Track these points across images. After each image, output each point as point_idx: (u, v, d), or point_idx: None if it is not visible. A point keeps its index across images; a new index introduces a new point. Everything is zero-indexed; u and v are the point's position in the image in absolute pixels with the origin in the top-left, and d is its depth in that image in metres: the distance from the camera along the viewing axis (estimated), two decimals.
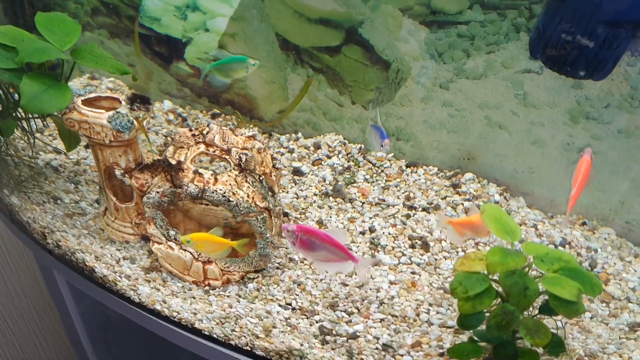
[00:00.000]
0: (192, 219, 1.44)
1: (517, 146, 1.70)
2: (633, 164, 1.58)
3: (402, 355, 1.20)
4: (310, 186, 1.70)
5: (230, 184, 1.30)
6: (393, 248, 1.50)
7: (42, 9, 1.83)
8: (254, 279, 1.37)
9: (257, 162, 1.40)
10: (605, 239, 1.57)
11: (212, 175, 1.31)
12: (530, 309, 1.04)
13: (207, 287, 1.34)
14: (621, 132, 1.56)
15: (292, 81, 1.87)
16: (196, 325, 1.26)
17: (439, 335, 1.23)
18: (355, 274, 1.35)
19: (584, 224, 1.63)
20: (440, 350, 1.20)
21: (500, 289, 1.05)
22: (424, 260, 1.46)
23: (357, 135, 1.86)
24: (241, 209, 1.29)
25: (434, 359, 1.18)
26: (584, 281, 1.01)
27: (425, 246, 1.50)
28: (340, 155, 1.81)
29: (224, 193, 1.28)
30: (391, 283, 1.35)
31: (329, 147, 1.83)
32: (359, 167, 1.79)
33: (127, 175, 1.32)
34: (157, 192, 1.29)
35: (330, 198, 1.67)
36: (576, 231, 1.59)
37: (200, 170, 1.31)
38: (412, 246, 1.50)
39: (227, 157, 1.38)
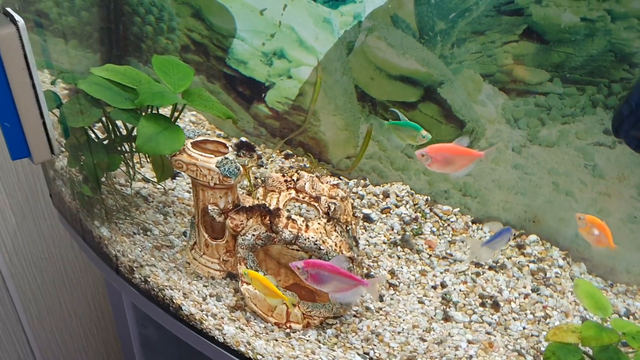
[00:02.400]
0: (272, 257, 1.49)
1: (580, 212, 1.75)
2: None
3: None
4: (379, 234, 1.76)
5: (320, 232, 1.36)
6: (464, 305, 1.54)
7: (134, 41, 1.93)
8: (332, 325, 1.42)
9: (342, 212, 1.46)
10: None
11: (303, 221, 1.37)
12: None
13: (288, 330, 1.39)
14: None
15: (363, 130, 1.94)
16: None
17: None
18: (430, 329, 1.40)
19: None
20: None
21: None
22: (495, 319, 1.50)
23: (423, 187, 1.92)
24: (330, 257, 1.34)
25: None
26: None
27: (496, 306, 1.54)
28: (407, 206, 1.87)
29: (316, 241, 1.34)
30: (469, 342, 1.39)
31: (397, 196, 1.89)
32: (425, 218, 1.84)
33: (223, 215, 1.39)
34: (253, 235, 1.35)
35: (399, 247, 1.72)
36: (638, 302, 1.63)
37: (294, 217, 1.37)
38: (483, 304, 1.55)
39: (316, 204, 1.44)
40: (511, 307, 1.55)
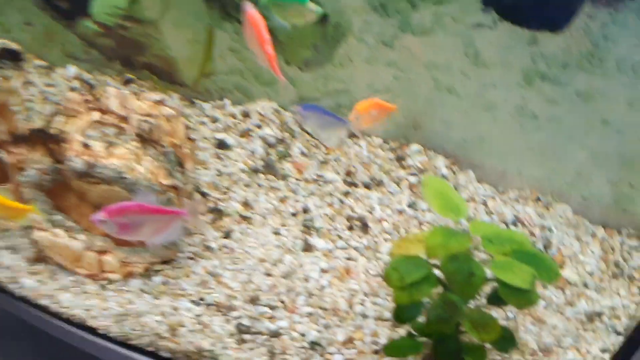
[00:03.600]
0: (89, 203, 1.21)
1: (466, 111, 1.53)
2: (591, 131, 1.42)
3: (331, 354, 1.02)
4: (236, 161, 1.50)
5: (127, 158, 1.09)
6: (329, 231, 1.31)
7: None
8: (160, 271, 1.17)
9: (164, 132, 1.19)
10: (560, 216, 1.43)
11: (105, 147, 1.09)
12: (477, 298, 0.88)
13: (104, 281, 1.13)
14: (579, 95, 1.40)
15: (219, 39, 1.65)
16: (90, 323, 1.05)
17: (375, 329, 1.05)
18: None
19: (538, 199, 1.47)
20: (375, 347, 1.03)
21: (443, 276, 0.88)
22: (363, 243, 1.28)
23: (291, 101, 1.65)
24: (141, 187, 1.08)
25: (368, 357, 1.01)
26: (539, 266, 0.85)
27: (365, 228, 1.32)
28: (273, 125, 1.60)
29: (118, 169, 1.07)
30: (322, 271, 1.17)
31: (261, 115, 1.62)
32: (294, 138, 1.59)
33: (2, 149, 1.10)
34: (36, 169, 1.07)
35: (261, 175, 1.47)
36: (529, 207, 1.44)
37: (90, 142, 1.09)
38: (350, 228, 1.32)
39: (125, 125, 1.16)
40: (382, 227, 1.33)
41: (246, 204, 1.37)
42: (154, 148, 1.14)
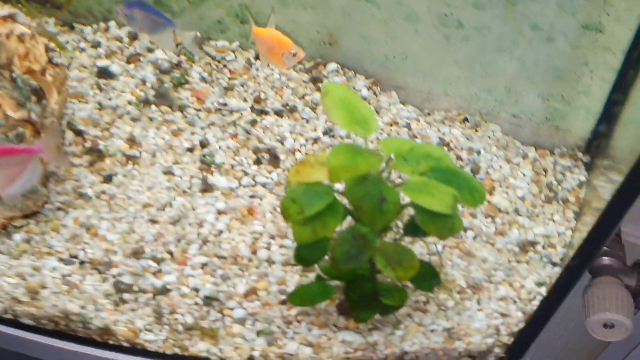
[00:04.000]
0: None
1: (386, 23, 1.35)
2: (520, 39, 1.28)
3: (231, 309, 0.86)
4: (122, 92, 1.27)
5: None
6: (232, 167, 1.13)
7: None
8: (22, 227, 0.96)
9: (14, 54, 0.96)
10: (489, 137, 1.30)
11: None
12: (393, 230, 0.73)
13: None
14: None
15: None
16: None
17: (282, 277, 0.90)
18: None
19: (465, 120, 1.33)
20: (283, 297, 0.87)
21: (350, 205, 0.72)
22: (272, 179, 1.11)
23: (192, 20, 1.42)
24: None
25: (275, 308, 0.86)
26: (461, 186, 0.70)
27: (275, 160, 1.14)
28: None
29: None
30: (219, 213, 0.99)
31: None
32: (193, 62, 1.37)
33: None
34: None
35: (152, 106, 1.25)
36: (456, 129, 1.30)
37: None
38: (258, 161, 1.14)
39: None
40: (295, 158, 1.16)
41: (132, 141, 1.16)
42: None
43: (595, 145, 1.27)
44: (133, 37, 1.38)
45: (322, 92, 0.76)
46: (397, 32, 1.35)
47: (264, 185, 1.09)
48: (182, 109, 1.27)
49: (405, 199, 0.70)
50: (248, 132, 1.20)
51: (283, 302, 0.86)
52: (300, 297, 0.79)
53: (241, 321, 0.85)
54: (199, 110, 1.27)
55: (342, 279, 0.77)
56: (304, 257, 0.74)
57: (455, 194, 0.67)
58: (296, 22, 1.38)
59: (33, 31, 1.03)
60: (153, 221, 0.97)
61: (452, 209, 0.66)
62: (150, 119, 1.23)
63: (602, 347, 1.34)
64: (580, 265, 0.68)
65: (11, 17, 1.00)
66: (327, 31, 1.39)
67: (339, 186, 0.73)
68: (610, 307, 0.88)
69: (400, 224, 0.77)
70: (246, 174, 1.12)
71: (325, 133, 1.21)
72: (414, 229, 0.72)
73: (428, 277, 0.75)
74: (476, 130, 1.31)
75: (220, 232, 0.96)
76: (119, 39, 1.37)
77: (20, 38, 0.99)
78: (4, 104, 0.89)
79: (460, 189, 0.68)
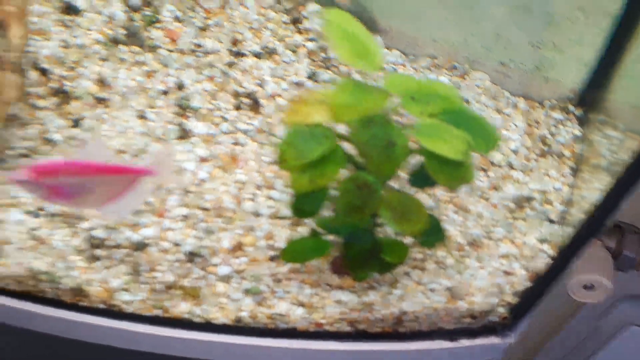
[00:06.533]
0: None
1: None
2: None
3: (215, 265, 0.81)
4: (89, 30, 1.16)
5: None
6: (210, 111, 1.05)
7: None
8: None
9: None
10: (477, 86, 1.24)
11: None
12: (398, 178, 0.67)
13: None
14: None
15: None
16: None
17: (270, 230, 0.84)
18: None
19: (453, 67, 1.27)
20: (272, 253, 0.81)
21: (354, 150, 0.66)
22: (254, 125, 1.04)
23: None
24: None
25: (264, 265, 0.80)
26: (474, 130, 0.64)
27: (255, 105, 1.07)
28: None
29: None
30: (201, 160, 0.92)
31: None
32: None
33: None
34: None
35: (122, 46, 1.15)
36: (444, 77, 1.24)
37: None
38: (237, 107, 1.06)
39: None
40: (277, 103, 1.08)
41: (101, 83, 1.06)
42: None
43: (589, 98, 1.23)
44: None
45: (325, 20, 0.68)
46: None
47: (245, 132, 1.02)
48: (153, 49, 1.17)
49: (413, 146, 0.64)
50: (226, 74, 1.12)
51: (272, 259, 0.80)
52: (293, 253, 0.73)
53: (226, 279, 0.79)
54: (172, 51, 1.17)
55: (340, 233, 0.72)
56: (301, 207, 0.68)
57: (469, 139, 0.62)
58: None
59: None
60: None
61: (466, 155, 0.61)
62: (121, 60, 1.13)
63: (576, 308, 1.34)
64: (596, 225, 0.64)
65: None
66: None
67: (339, 128, 0.66)
68: (590, 269, 0.86)
69: (402, 174, 0.71)
70: (225, 119, 1.04)
71: (308, 77, 1.14)
72: (421, 179, 0.66)
73: (432, 232, 0.71)
74: (464, 78, 1.26)
75: (202, 181, 0.89)
76: None
77: None
78: None
79: (474, 133, 0.63)
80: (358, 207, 0.63)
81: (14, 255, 0.76)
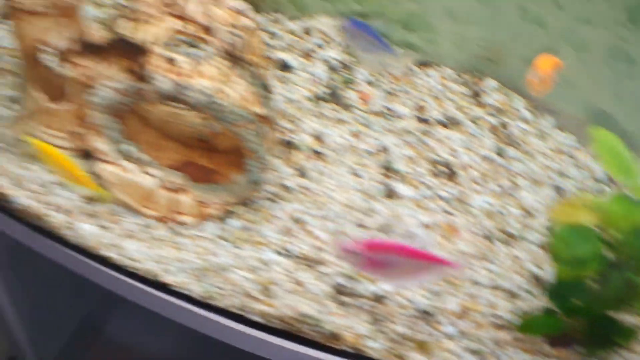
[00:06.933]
0: (151, 126, 1.02)
1: (553, 50, 1.38)
2: None
3: (440, 324, 0.92)
4: (299, 86, 1.32)
5: (217, 79, 0.90)
6: (411, 175, 1.17)
7: None
8: (237, 213, 1.02)
9: (250, 49, 1.00)
10: None
11: (191, 63, 0.90)
12: None
13: (174, 225, 0.97)
14: None
15: None
16: (163, 279, 0.91)
17: (491, 300, 0.95)
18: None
19: None
20: (495, 321, 0.92)
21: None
22: (451, 193, 1.15)
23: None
24: (233, 115, 0.90)
25: (490, 330, 0.91)
26: None
27: (452, 175, 1.19)
28: (335, 46, 1.41)
29: (208, 91, 0.88)
30: (425, 226, 1.04)
31: (322, 33, 1.42)
32: (357, 62, 1.41)
33: (63, 60, 0.89)
34: (112, 88, 0.87)
35: (325, 104, 1.30)
36: None
37: (175, 56, 0.89)
38: (435, 174, 1.19)
39: (210, 38, 0.96)
40: (470, 175, 1.20)
41: (317, 137, 1.21)
42: (242, 68, 0.95)
43: None
44: (306, 32, 1.41)
45: (593, 138, 0.80)
46: (562, 59, 1.37)
47: (445, 200, 1.14)
48: (348, 108, 1.31)
49: None
50: (423, 142, 1.24)
51: (499, 327, 0.91)
52: (529, 326, 0.84)
53: (452, 337, 0.91)
54: (365, 112, 1.31)
55: (585, 316, 0.82)
56: (560, 293, 0.79)
57: None
58: (460, 34, 1.42)
59: (255, 24, 1.07)
60: (360, 225, 1.02)
61: None
62: (325, 116, 1.27)
63: None
64: None
65: (240, 11, 1.04)
66: (490, 47, 1.42)
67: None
68: None
69: None
70: (426, 185, 1.17)
71: (498, 154, 1.25)
72: None
73: None
74: None
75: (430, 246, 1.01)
76: (293, 33, 1.41)
77: (248, 31, 1.03)
78: (251, 99, 0.93)
79: None
80: (622, 299, 0.74)
81: (281, 296, 0.90)
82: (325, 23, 1.43)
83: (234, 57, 0.93)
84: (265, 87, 1.01)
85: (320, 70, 1.35)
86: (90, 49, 0.88)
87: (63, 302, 1.48)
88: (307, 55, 1.37)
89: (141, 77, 0.85)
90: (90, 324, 1.55)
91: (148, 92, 0.87)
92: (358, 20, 1.10)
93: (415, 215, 1.06)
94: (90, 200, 0.95)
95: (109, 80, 0.87)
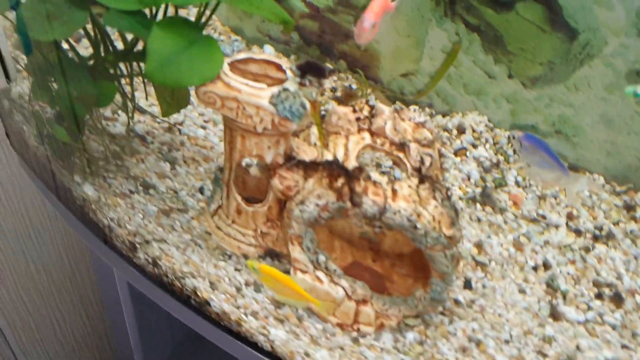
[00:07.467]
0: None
1: None
2: None
3: None
4: (452, 185, 1.32)
5: (412, 200, 0.91)
6: (575, 296, 1.15)
7: None
8: (413, 326, 1.01)
9: (435, 164, 1.01)
10: None
11: (388, 184, 0.91)
12: None
13: (355, 334, 0.98)
14: None
15: (433, 38, 1.44)
16: None
17: None
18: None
19: None
20: None
21: None
22: (617, 319, 1.12)
23: (504, 118, 1.46)
24: (429, 240, 0.91)
25: None
26: None
27: (617, 299, 1.15)
28: (487, 145, 1.42)
29: (410, 215, 0.89)
30: None
31: (474, 131, 1.43)
32: (508, 163, 1.40)
33: (269, 172, 0.92)
34: (318, 205, 0.89)
35: (477, 205, 1.29)
36: None
37: (375, 178, 0.91)
38: (599, 296, 1.16)
39: (401, 155, 0.98)
40: (636, 301, 1.16)
41: (480, 246, 1.20)
42: (431, 185, 0.96)
43: None
44: (460, 131, 1.42)
45: None
46: None
47: (613, 327, 1.10)
48: (502, 211, 1.30)
49: None
50: (584, 260, 1.22)
51: None
52: None
53: None
54: (517, 216, 1.30)
55: None
56: None
57: None
58: (613, 142, 1.39)
59: (434, 136, 1.08)
60: (541, 353, 1.00)
61: None
62: (479, 220, 1.26)
63: None
64: None
65: (422, 124, 1.06)
66: None
67: None
68: None
69: None
70: (590, 308, 1.13)
71: None
72: None
73: None
74: None
75: None
76: (447, 129, 1.43)
77: (430, 145, 1.05)
78: (442, 221, 0.93)
79: None
80: None
81: None
82: (475, 120, 1.44)
83: (424, 176, 0.94)
84: (454, 206, 1.01)
85: (473, 169, 1.35)
86: (298, 165, 0.90)
87: None
88: (460, 153, 1.38)
89: (353, 200, 0.87)
90: None
91: (352, 212, 0.88)
92: (535, 136, 1.10)
93: (597, 349, 1.02)
94: (279, 303, 0.97)
95: (314, 196, 0.89)
